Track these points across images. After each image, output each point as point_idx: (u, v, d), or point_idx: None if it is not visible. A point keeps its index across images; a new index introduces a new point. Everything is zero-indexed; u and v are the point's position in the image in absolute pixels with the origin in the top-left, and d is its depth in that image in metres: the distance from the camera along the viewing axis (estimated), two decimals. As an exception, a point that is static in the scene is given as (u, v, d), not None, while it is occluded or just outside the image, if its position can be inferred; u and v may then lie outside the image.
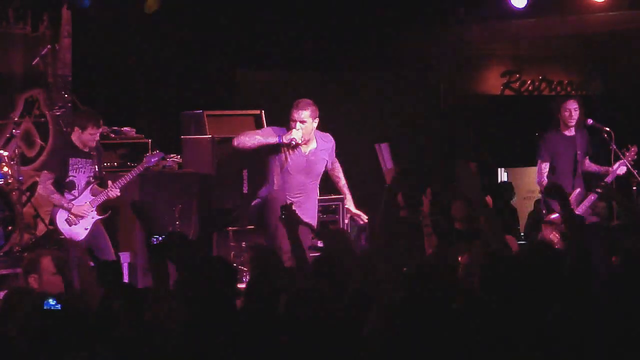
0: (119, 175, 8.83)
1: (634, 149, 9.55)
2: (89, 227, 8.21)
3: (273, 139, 8.24)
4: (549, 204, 9.33)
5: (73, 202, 8.15)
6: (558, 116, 9.64)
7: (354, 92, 12.36)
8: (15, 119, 10.41)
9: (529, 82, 13.64)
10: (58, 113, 10.70)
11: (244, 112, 10.73)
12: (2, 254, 9.42)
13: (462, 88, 13.64)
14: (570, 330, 4.25)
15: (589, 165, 9.80)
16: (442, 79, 13.30)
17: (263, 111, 10.55)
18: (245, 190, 9.23)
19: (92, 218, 8.24)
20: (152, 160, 8.61)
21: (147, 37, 11.40)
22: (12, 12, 10.70)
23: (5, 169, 9.72)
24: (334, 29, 12.07)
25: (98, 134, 8.26)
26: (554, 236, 8.89)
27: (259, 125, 10.43)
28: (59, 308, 4.54)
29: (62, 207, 8.12)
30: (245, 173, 9.50)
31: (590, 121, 10.36)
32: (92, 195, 8.26)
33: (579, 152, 9.62)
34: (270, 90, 11.99)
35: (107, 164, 9.69)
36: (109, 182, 8.29)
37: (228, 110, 10.83)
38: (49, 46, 10.75)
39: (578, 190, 9.48)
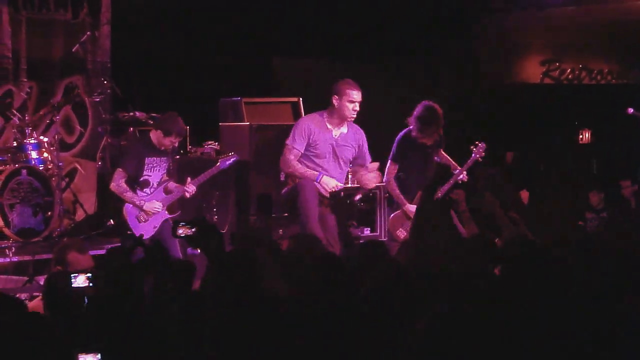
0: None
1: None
2: (158, 225, 8.19)
3: (313, 176, 8.46)
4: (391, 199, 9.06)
5: (144, 199, 8.14)
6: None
7: (391, 79, 12.30)
8: (55, 105, 10.48)
9: (568, 71, 13.50)
10: (97, 99, 10.76)
11: (281, 99, 10.72)
12: (41, 239, 9.51)
13: (501, 76, 13.53)
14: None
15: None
16: (481, 67, 13.21)
17: (301, 99, 10.55)
18: (282, 178, 9.21)
19: (162, 217, 8.25)
20: (227, 162, 8.58)
21: (185, 25, 11.42)
22: (52, -1, 10.80)
23: (45, 154, 9.79)
24: (372, 16, 12.02)
25: (177, 142, 8.31)
26: (400, 232, 8.77)
27: (296, 112, 10.42)
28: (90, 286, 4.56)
29: (134, 204, 8.10)
30: (282, 160, 9.47)
31: (630, 110, 10.28)
32: (165, 193, 8.25)
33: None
34: (307, 77, 11.97)
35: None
36: (188, 179, 8.28)
37: (266, 97, 10.83)
38: (88, 33, 10.83)
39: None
